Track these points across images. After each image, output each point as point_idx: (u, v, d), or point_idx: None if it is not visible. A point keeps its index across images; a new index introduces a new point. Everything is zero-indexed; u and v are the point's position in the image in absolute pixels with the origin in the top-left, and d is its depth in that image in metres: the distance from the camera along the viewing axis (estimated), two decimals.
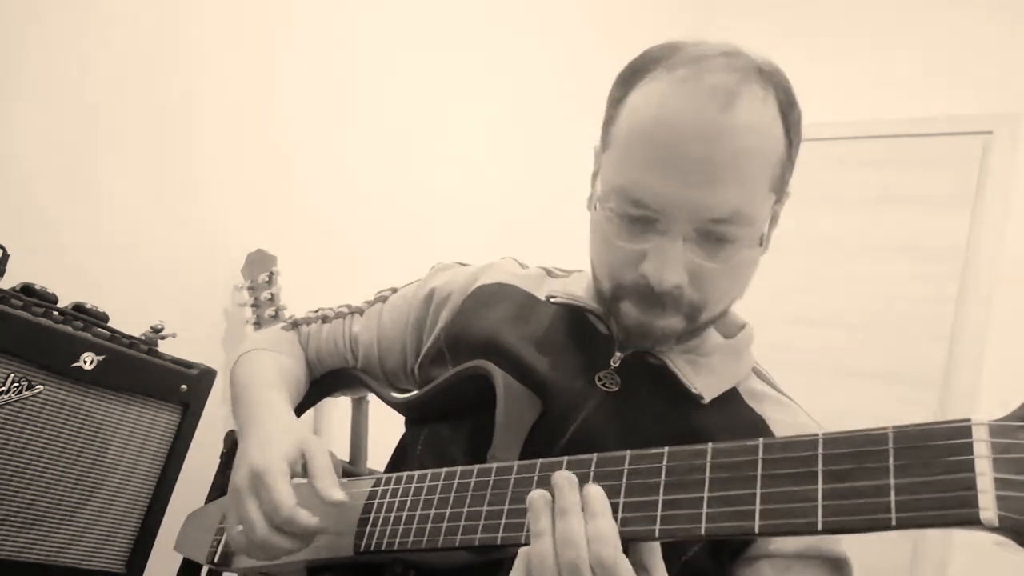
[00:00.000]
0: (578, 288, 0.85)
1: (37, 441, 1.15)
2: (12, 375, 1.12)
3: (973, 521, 0.40)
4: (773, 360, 0.89)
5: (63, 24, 1.42)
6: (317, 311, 1.03)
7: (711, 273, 0.70)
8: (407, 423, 0.90)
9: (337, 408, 1.65)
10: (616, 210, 0.70)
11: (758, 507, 0.47)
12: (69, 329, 1.19)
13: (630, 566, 0.50)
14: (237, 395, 0.89)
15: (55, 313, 1.19)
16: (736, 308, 0.88)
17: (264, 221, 1.76)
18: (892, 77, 2.66)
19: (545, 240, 2.21)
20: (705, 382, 0.76)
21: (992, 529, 0.40)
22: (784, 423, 0.77)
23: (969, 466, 0.41)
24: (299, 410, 0.97)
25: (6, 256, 1.21)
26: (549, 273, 0.92)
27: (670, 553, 0.69)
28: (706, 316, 0.74)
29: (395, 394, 0.93)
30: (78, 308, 1.26)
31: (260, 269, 1.65)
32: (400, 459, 0.90)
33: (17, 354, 1.13)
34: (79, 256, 1.45)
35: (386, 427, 1.05)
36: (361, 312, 1.00)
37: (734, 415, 0.76)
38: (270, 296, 1.61)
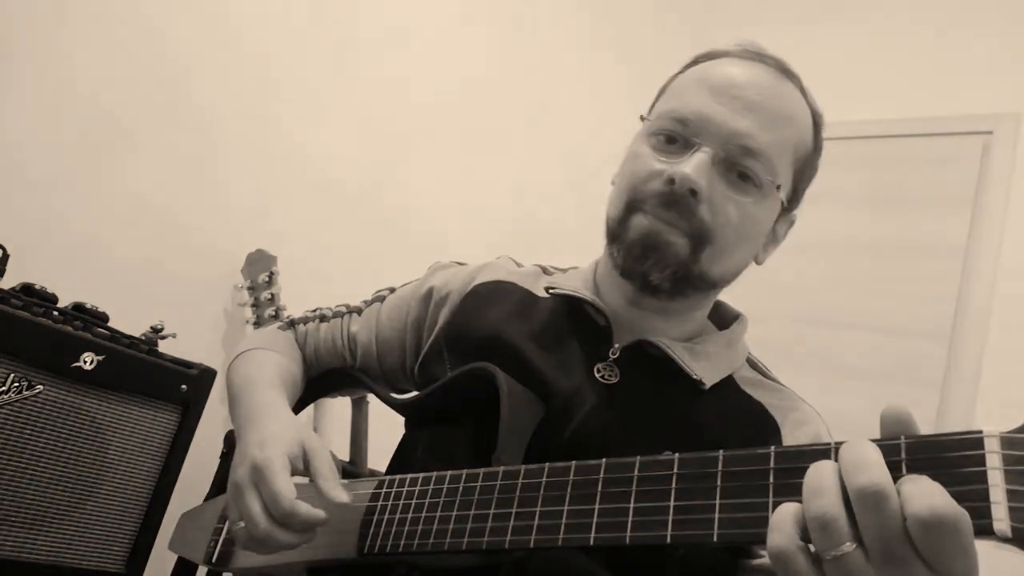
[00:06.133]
0: (575, 282, 0.87)
1: (37, 441, 1.15)
2: (12, 375, 1.12)
3: (987, 532, 0.40)
4: (774, 359, 0.89)
5: (66, 26, 1.42)
6: (315, 310, 1.03)
7: (726, 202, 0.75)
8: (407, 424, 0.90)
9: (337, 408, 1.65)
10: (656, 129, 0.77)
11: (770, 515, 0.46)
12: (69, 329, 1.19)
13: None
14: (235, 395, 0.89)
15: (55, 313, 1.19)
16: (736, 306, 0.89)
17: (264, 221, 1.76)
18: (892, 77, 2.65)
19: (546, 240, 2.22)
20: (704, 368, 0.77)
21: (1005, 540, 0.40)
22: (781, 408, 0.79)
23: (982, 477, 0.41)
24: (295, 409, 0.97)
25: (6, 256, 1.21)
26: (544, 271, 0.94)
27: None
28: (707, 255, 0.76)
29: (395, 395, 0.92)
30: (78, 308, 1.26)
31: (260, 269, 1.65)
32: (401, 461, 0.90)
33: (17, 354, 1.13)
34: (79, 256, 1.45)
35: (386, 427, 1.05)
36: (359, 312, 1.00)
37: (733, 402, 0.78)
38: (270, 296, 1.61)
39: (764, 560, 0.71)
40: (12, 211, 1.36)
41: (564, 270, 0.94)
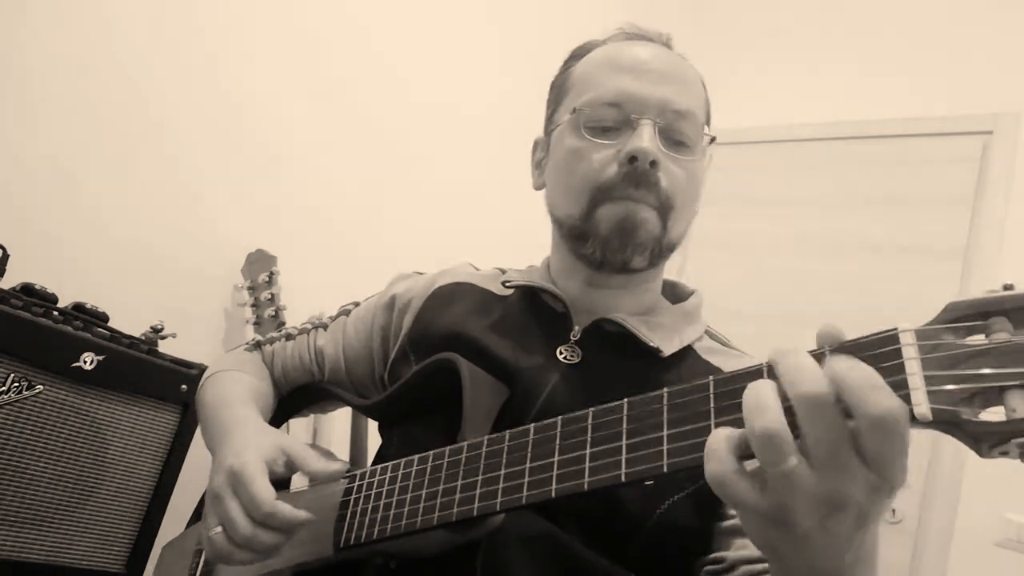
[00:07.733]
0: (532, 275, 0.90)
1: (37, 441, 1.15)
2: (12, 375, 1.12)
3: (909, 418, 0.42)
4: None
5: (63, 25, 1.42)
6: (281, 330, 1.05)
7: (676, 167, 0.79)
8: (380, 429, 0.92)
9: (337, 413, 1.65)
10: (588, 120, 0.80)
11: None
12: (69, 329, 1.19)
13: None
14: (206, 416, 0.90)
15: (55, 313, 1.19)
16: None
17: (264, 221, 1.76)
18: (893, 77, 2.66)
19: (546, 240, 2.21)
20: (660, 337, 0.80)
21: (926, 423, 0.42)
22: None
23: (900, 369, 0.44)
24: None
25: (6, 256, 1.21)
26: (503, 272, 0.96)
27: (644, 507, 0.70)
28: (672, 221, 0.80)
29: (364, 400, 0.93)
30: (78, 308, 1.26)
31: (260, 269, 1.65)
32: (377, 463, 0.91)
33: (17, 354, 1.13)
34: (79, 256, 1.45)
35: None
36: (325, 327, 1.02)
37: (692, 368, 0.80)
38: (270, 296, 1.61)
39: (736, 521, 0.71)
40: (12, 211, 1.36)
41: (520, 270, 0.97)
